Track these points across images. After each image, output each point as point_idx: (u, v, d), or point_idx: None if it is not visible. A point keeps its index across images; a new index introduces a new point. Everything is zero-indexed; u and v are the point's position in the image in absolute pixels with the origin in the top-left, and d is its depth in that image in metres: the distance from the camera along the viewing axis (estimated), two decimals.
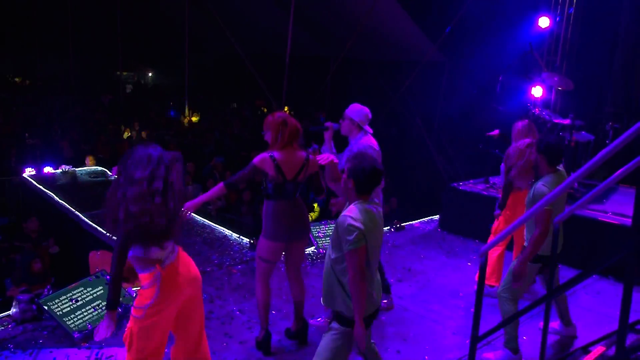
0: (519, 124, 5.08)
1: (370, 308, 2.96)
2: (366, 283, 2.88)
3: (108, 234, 2.83)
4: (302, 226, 4.01)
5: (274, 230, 3.92)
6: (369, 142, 4.29)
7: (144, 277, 2.86)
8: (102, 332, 2.82)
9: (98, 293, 4.70)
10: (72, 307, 4.46)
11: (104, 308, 4.55)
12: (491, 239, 5.20)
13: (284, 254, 4.13)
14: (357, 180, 2.91)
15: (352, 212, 2.87)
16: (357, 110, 4.36)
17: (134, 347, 2.86)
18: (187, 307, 3.02)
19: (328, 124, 4.38)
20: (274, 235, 3.93)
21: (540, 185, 3.85)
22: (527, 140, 4.66)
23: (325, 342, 3.00)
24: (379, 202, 3.07)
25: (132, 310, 2.87)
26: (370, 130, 4.42)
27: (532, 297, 4.90)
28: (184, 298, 2.95)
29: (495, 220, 5.19)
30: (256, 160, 3.82)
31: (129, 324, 2.90)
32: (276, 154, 3.81)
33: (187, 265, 3.00)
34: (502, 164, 5.18)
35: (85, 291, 4.68)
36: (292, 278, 4.20)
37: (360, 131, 4.36)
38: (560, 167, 4.06)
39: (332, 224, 6.66)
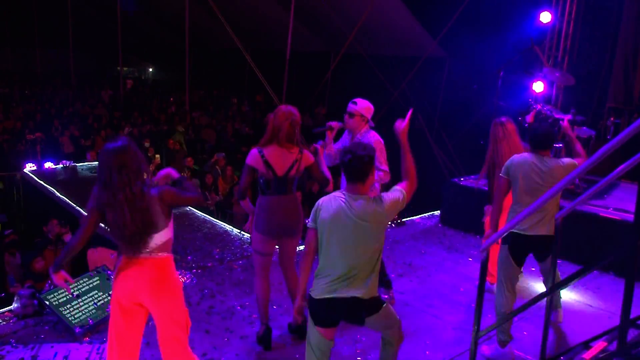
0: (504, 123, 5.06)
1: (317, 293, 3.00)
2: (319, 268, 3.02)
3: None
4: (293, 222, 4.02)
5: (264, 223, 3.95)
6: (375, 136, 4.40)
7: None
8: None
9: (95, 283, 4.73)
10: (68, 297, 4.48)
11: (104, 301, 4.57)
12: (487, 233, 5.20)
13: (278, 248, 4.15)
14: (342, 168, 3.01)
15: (326, 196, 3.03)
16: (367, 107, 4.46)
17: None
18: (153, 313, 3.06)
19: (332, 123, 4.42)
20: (263, 229, 3.96)
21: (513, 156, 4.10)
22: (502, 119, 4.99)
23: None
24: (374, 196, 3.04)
25: None
26: (372, 124, 4.48)
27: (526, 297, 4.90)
28: (131, 301, 3.01)
29: (487, 215, 5.21)
30: (248, 159, 3.88)
31: None
32: (265, 150, 3.84)
33: (138, 273, 2.97)
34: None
35: (83, 282, 4.70)
36: (287, 276, 4.22)
37: (366, 125, 4.43)
38: (567, 160, 4.06)
39: None
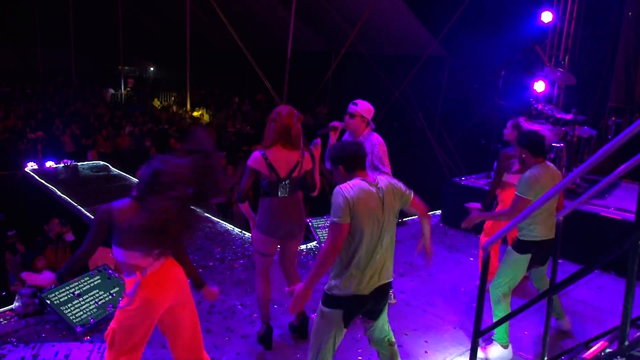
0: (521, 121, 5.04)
1: (358, 289, 2.90)
2: (351, 264, 2.88)
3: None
4: (296, 224, 4.01)
5: (267, 224, 3.93)
6: (378, 139, 4.38)
7: (128, 282, 2.91)
8: (33, 279, 2.91)
9: (96, 282, 4.73)
10: (69, 296, 4.49)
11: (105, 300, 4.58)
12: (483, 235, 5.20)
13: (279, 248, 4.15)
14: (344, 163, 2.98)
15: (346, 185, 2.88)
16: (368, 108, 4.44)
17: (115, 345, 2.92)
18: (175, 313, 3.04)
19: (335, 123, 4.42)
20: (266, 230, 3.94)
21: (528, 172, 3.91)
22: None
23: (315, 324, 3.07)
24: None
25: (117, 311, 2.95)
26: (373, 126, 4.48)
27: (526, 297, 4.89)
28: (167, 305, 2.97)
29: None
30: (250, 161, 3.84)
31: (112, 323, 2.95)
32: (268, 152, 3.81)
33: (172, 273, 2.98)
34: (495, 162, 5.18)
35: (83, 281, 4.71)
36: (289, 276, 4.21)
37: (367, 127, 4.42)
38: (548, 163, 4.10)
39: None
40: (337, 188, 2.88)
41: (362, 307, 2.99)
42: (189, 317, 3.11)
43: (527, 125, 4.88)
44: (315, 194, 4.08)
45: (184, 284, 3.05)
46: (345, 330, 3.01)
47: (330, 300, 2.95)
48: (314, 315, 4.43)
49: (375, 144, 4.34)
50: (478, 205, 5.08)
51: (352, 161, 2.96)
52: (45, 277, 2.91)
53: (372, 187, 2.90)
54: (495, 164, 5.17)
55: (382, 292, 3.02)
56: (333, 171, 3.07)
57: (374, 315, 3.11)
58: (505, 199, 4.92)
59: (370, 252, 2.90)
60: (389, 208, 2.94)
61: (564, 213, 3.65)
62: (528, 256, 3.95)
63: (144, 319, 2.89)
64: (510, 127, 4.98)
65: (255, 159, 3.82)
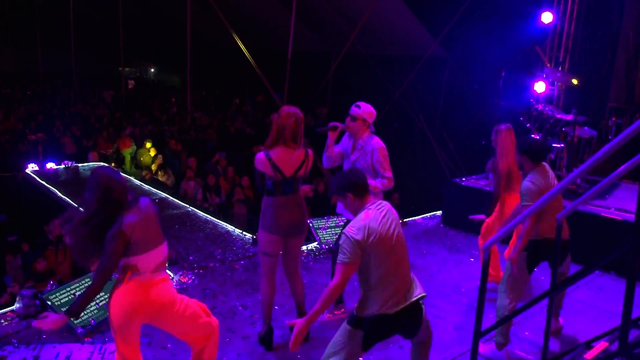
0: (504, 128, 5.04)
1: (382, 309, 2.92)
2: (372, 285, 2.92)
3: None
4: (299, 222, 4.04)
5: (271, 223, 3.96)
6: (379, 142, 4.38)
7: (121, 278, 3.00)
8: (44, 324, 2.84)
9: None
10: (70, 297, 4.48)
11: (105, 302, 4.58)
12: (480, 237, 5.20)
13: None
14: (353, 190, 3.03)
15: (355, 221, 2.95)
16: (370, 112, 4.43)
17: (116, 335, 3.03)
18: (163, 323, 3.09)
19: (336, 124, 4.42)
20: (270, 228, 3.97)
21: (525, 182, 3.97)
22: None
23: (335, 336, 3.05)
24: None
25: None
26: (373, 129, 4.48)
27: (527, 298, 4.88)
28: (147, 316, 3.01)
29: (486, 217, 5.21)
30: (255, 162, 3.90)
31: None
32: (271, 152, 3.85)
33: (162, 290, 3.03)
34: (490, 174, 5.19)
35: (84, 282, 4.71)
36: (291, 276, 4.23)
37: (368, 130, 4.41)
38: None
39: (334, 218, 6.67)
40: (344, 233, 2.92)
41: (387, 329, 3.00)
42: (179, 319, 3.10)
43: (505, 133, 4.96)
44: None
45: (166, 304, 3.04)
46: (362, 352, 3.00)
47: (354, 320, 2.98)
48: None
49: (376, 148, 4.33)
50: (482, 216, 5.09)
51: (360, 187, 3.03)
52: (55, 320, 2.86)
53: (378, 211, 2.98)
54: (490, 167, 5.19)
55: (412, 312, 3.00)
56: (341, 200, 3.12)
57: (410, 334, 3.14)
58: (509, 202, 4.92)
59: (389, 272, 2.93)
60: (396, 228, 3.00)
61: (564, 213, 3.65)
62: (524, 254, 3.99)
63: (126, 319, 2.96)
64: (493, 134, 5.05)
65: (259, 160, 3.87)
